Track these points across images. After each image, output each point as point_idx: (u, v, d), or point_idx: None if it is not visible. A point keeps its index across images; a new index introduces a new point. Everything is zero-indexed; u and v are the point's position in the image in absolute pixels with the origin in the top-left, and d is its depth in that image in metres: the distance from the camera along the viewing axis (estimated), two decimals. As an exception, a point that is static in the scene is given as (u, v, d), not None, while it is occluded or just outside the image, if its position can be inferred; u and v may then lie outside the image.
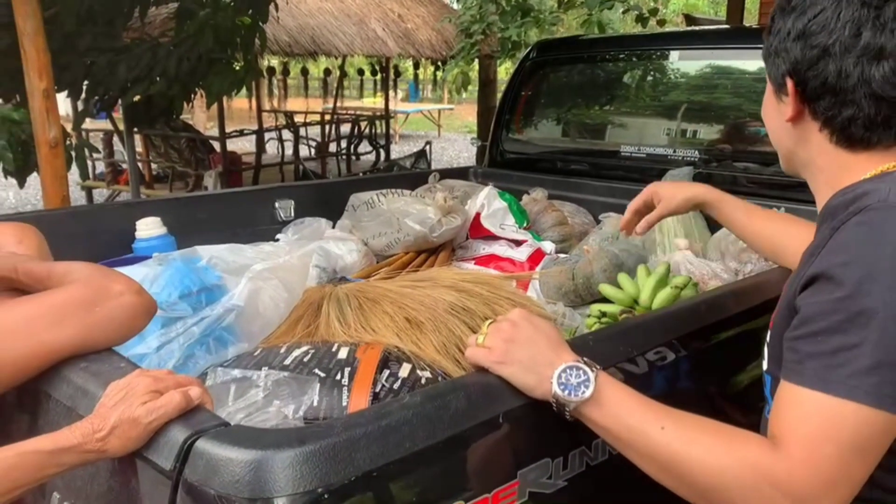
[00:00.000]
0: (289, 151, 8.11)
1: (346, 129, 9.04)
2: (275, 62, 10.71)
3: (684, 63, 2.78)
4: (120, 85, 4.26)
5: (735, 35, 3.09)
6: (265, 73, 9.61)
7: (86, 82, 4.34)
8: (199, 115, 12.56)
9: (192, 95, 4.68)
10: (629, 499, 1.05)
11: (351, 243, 2.19)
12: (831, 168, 1.00)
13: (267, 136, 8.18)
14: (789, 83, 0.98)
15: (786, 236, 1.45)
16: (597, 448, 1.02)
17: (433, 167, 8.13)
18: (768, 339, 1.04)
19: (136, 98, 4.57)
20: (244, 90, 4.81)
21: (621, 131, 2.96)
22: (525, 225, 2.46)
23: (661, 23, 7.15)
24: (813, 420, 0.81)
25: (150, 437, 0.84)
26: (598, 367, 0.93)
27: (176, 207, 2.26)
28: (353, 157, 8.86)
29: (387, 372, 1.33)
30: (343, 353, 1.37)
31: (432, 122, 17.05)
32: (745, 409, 1.36)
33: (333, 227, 2.42)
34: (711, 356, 1.32)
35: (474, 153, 9.22)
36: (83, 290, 1.03)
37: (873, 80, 0.91)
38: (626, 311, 1.71)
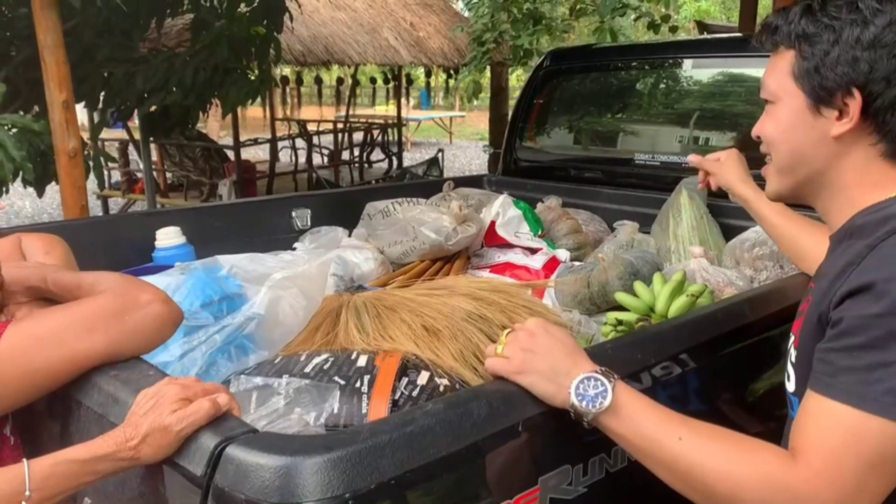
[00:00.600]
0: (302, 160, 8.17)
1: (358, 137, 9.09)
2: (288, 71, 10.79)
3: (697, 71, 2.79)
4: (137, 95, 4.31)
5: (748, 42, 3.10)
6: (279, 83, 9.68)
7: (103, 93, 4.39)
8: (212, 124, 12.66)
9: (208, 105, 4.72)
10: (648, 505, 1.06)
11: (367, 252, 2.20)
12: (862, 185, 0.99)
13: (280, 144, 8.23)
14: (857, 94, 0.95)
15: (811, 242, 1.46)
16: (616, 455, 1.04)
17: (445, 174, 8.17)
18: (793, 359, 1.03)
19: (153, 108, 4.62)
20: (258, 99, 4.85)
21: (635, 139, 2.97)
22: (540, 233, 2.48)
23: (674, 30, 7.15)
24: (837, 433, 0.81)
25: (181, 443, 0.86)
26: (616, 376, 0.95)
27: (194, 217, 2.29)
28: (366, 165, 8.90)
29: (405, 380, 1.35)
30: (362, 361, 1.39)
31: (444, 130, 17.09)
32: (763, 417, 1.37)
33: (349, 235, 2.45)
34: (729, 364, 1.32)
35: (486, 160, 9.24)
36: (113, 300, 1.06)
37: None
38: (643, 319, 1.72)
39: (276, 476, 0.78)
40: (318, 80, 10.78)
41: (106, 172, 7.25)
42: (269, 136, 8.12)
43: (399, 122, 9.88)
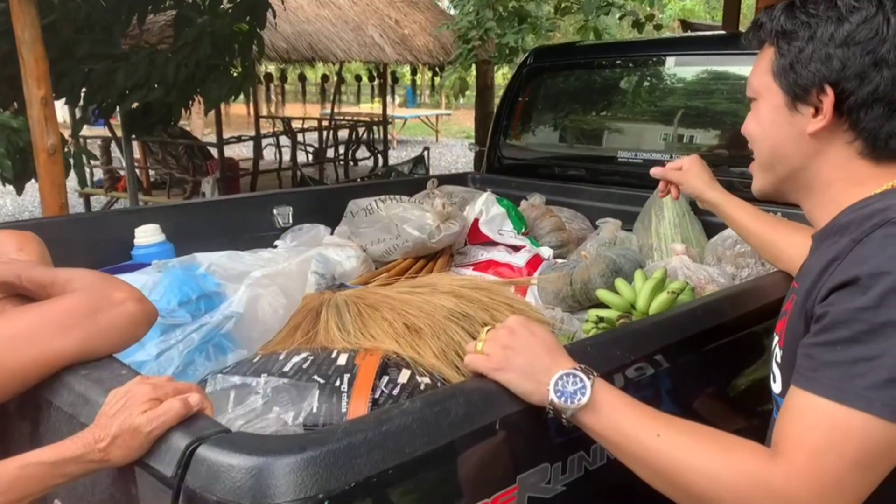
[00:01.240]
0: (286, 157, 8.12)
1: (343, 134, 9.05)
2: (272, 68, 10.73)
3: (681, 69, 2.79)
4: (118, 92, 4.26)
5: (731, 41, 3.11)
6: (263, 80, 9.63)
7: (84, 90, 4.34)
8: (196, 122, 12.58)
9: (191, 102, 4.68)
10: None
11: (349, 249, 2.19)
12: (844, 183, 0.98)
13: (264, 142, 8.18)
14: (829, 92, 0.95)
15: (785, 242, 1.45)
16: (595, 453, 1.03)
17: (431, 172, 8.14)
18: (778, 359, 1.01)
19: (135, 105, 4.57)
20: (241, 96, 4.82)
21: (618, 137, 2.97)
22: (523, 231, 2.47)
23: (658, 28, 7.18)
24: (820, 429, 0.80)
25: (152, 444, 0.85)
26: (595, 373, 0.94)
27: (174, 214, 2.27)
28: (351, 163, 8.86)
29: (386, 378, 1.34)
30: (342, 360, 1.38)
31: (430, 128, 17.07)
32: (745, 413, 1.37)
33: (332, 233, 2.43)
34: (710, 360, 1.32)
35: (472, 158, 9.23)
36: (86, 298, 1.04)
37: None
38: (624, 316, 1.72)
39: (249, 477, 0.76)
40: (302, 78, 10.72)
41: (88, 170, 7.19)
42: (253, 133, 8.07)
43: (384, 120, 9.85)
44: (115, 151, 6.93)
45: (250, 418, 1.23)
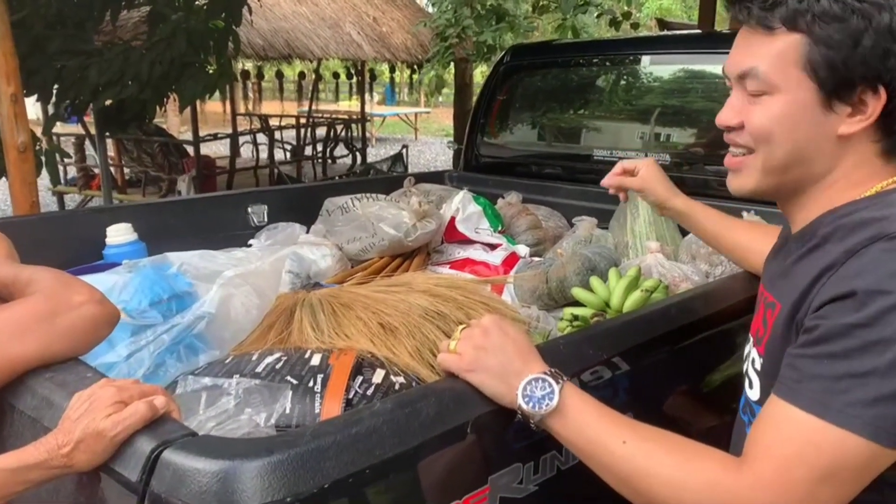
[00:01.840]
0: (263, 155, 8.06)
1: (321, 132, 9.01)
2: (249, 66, 10.65)
3: (657, 67, 2.80)
4: (91, 89, 4.20)
5: (706, 40, 3.13)
6: (239, 77, 9.55)
7: (56, 86, 4.28)
8: (172, 119, 12.45)
9: (165, 99, 4.63)
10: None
11: (325, 248, 2.17)
12: (846, 184, 0.93)
13: (241, 139, 8.12)
14: (882, 93, 0.87)
15: (754, 243, 1.43)
16: (568, 453, 1.03)
17: (410, 170, 8.13)
18: (758, 366, 0.99)
19: (108, 102, 4.51)
20: (218, 93, 4.77)
21: (595, 135, 2.98)
22: (500, 229, 2.47)
23: (635, 27, 7.22)
24: (794, 441, 0.78)
25: (116, 449, 0.83)
26: (565, 378, 0.93)
27: (147, 213, 2.24)
28: (329, 161, 8.82)
29: (360, 378, 1.33)
30: (316, 360, 1.36)
31: (409, 126, 17.04)
32: (716, 412, 1.37)
33: (308, 231, 2.41)
34: (683, 358, 1.33)
35: (451, 156, 9.22)
36: (44, 302, 1.02)
37: None
38: (598, 314, 1.72)
39: (215, 481, 0.75)
40: (280, 75, 10.65)
41: (62, 168, 7.10)
42: (229, 130, 8.01)
43: (363, 118, 9.81)
44: (90, 149, 6.85)
45: (222, 420, 1.22)
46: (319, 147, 8.77)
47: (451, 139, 9.47)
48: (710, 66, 2.62)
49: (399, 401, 0.91)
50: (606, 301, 1.77)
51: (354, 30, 8.53)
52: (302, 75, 10.91)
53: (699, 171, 2.53)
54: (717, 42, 2.82)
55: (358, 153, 9.16)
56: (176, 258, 1.63)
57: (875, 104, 0.88)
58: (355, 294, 1.68)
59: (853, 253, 0.83)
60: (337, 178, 7.96)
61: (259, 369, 1.33)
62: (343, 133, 9.03)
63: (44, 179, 4.75)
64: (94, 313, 1.06)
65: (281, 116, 9.53)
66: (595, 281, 1.83)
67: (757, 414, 0.92)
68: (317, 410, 1.25)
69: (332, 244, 2.26)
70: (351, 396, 1.28)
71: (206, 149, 7.25)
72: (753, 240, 1.44)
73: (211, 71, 4.43)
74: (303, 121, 8.91)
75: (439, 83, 8.76)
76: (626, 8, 7.02)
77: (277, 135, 8.28)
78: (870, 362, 0.77)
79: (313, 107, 9.69)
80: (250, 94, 11.49)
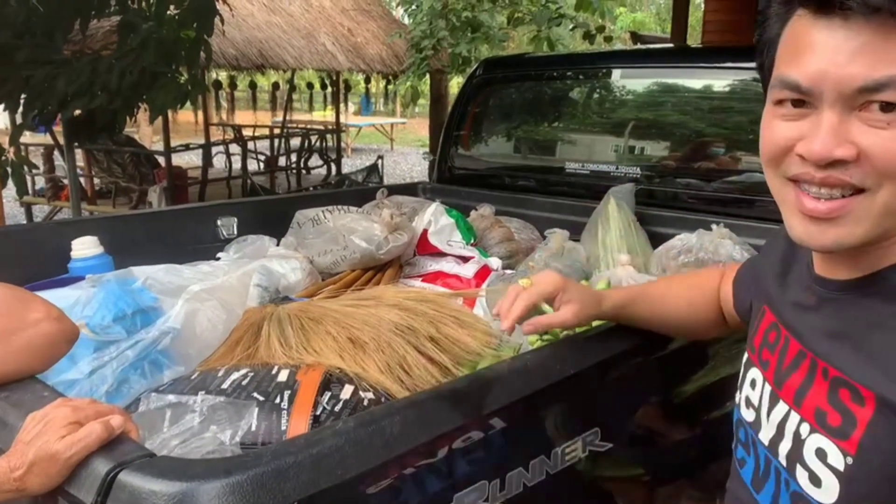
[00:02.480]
0: (237, 165, 8.00)
1: (296, 142, 8.96)
2: (222, 75, 10.59)
3: (630, 81, 2.83)
4: (59, 99, 4.13)
5: (679, 54, 3.17)
6: (212, 87, 9.48)
7: (23, 96, 4.21)
8: (144, 129, 12.32)
9: (136, 109, 4.57)
10: (568, 519, 1.05)
11: (295, 261, 2.15)
12: None
13: (214, 150, 8.05)
14: None
15: (686, 306, 1.27)
16: (534, 468, 1.02)
17: (385, 181, 8.12)
18: (839, 465, 0.79)
19: (77, 112, 4.45)
20: (190, 103, 4.72)
21: (568, 148, 3.00)
22: (472, 241, 2.47)
23: (609, 40, 7.29)
24: None
25: (71, 471, 0.81)
26: None
27: (114, 226, 2.21)
28: (304, 172, 8.78)
29: (328, 394, 1.31)
30: (283, 376, 1.35)
31: (385, 136, 17.03)
32: (688, 423, 1.38)
33: (278, 244, 2.39)
34: (653, 370, 1.33)
35: (427, 167, 9.22)
36: None
37: None
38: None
39: (172, 503, 0.73)
40: (253, 85, 10.59)
41: (30, 179, 6.98)
42: (202, 141, 7.94)
43: (338, 128, 9.78)
44: (59, 159, 6.74)
45: (186, 438, 1.20)
46: (294, 157, 8.73)
47: (427, 150, 9.49)
48: (682, 79, 2.65)
49: (362, 419, 0.90)
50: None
51: (329, 40, 8.52)
52: (276, 86, 10.86)
53: (669, 184, 2.55)
54: (688, 56, 2.86)
55: (333, 164, 9.13)
56: (141, 272, 1.60)
57: None
58: (325, 308, 1.67)
59: None
60: (311, 188, 7.92)
61: (225, 386, 1.31)
62: (318, 143, 9.00)
63: (11, 190, 4.68)
64: (52, 331, 1.03)
65: (254, 127, 9.47)
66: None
67: None
68: (283, 427, 1.24)
69: (302, 257, 2.24)
70: (318, 413, 1.26)
71: (178, 159, 7.17)
72: (689, 303, 1.28)
73: (182, 81, 4.39)
74: (277, 131, 8.86)
75: (415, 94, 8.78)
76: (600, 21, 7.09)
77: (251, 145, 8.22)
78: None
79: (287, 117, 9.65)
80: (223, 104, 11.40)
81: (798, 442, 0.85)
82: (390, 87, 11.02)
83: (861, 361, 0.77)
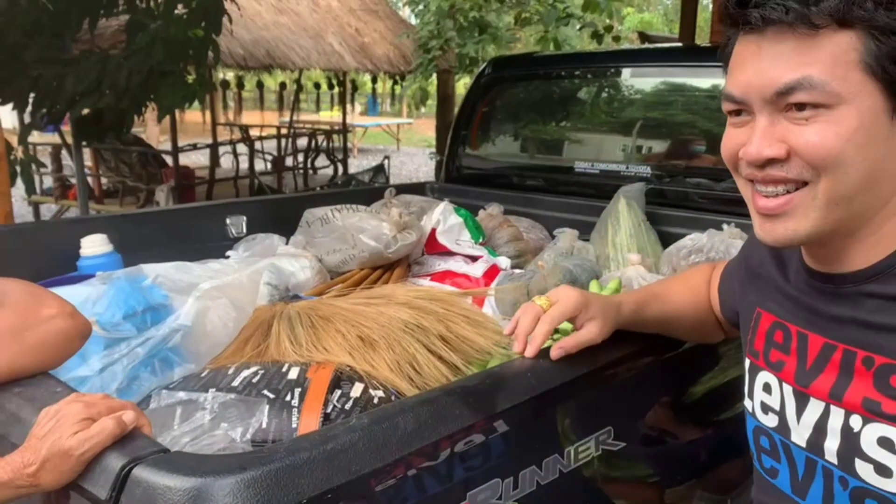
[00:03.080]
0: (244, 165, 8.01)
1: (302, 142, 8.98)
2: (230, 75, 10.61)
3: (638, 80, 2.82)
4: (67, 98, 4.15)
5: (687, 53, 3.15)
6: (219, 87, 9.50)
7: (32, 95, 4.23)
8: (152, 129, 12.36)
9: (143, 109, 4.58)
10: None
11: (304, 260, 2.15)
12: None
13: (221, 150, 8.07)
14: None
15: (691, 308, 1.26)
16: (547, 467, 1.02)
17: (392, 182, 8.12)
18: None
19: (85, 111, 4.46)
20: (197, 103, 4.73)
21: (576, 147, 2.99)
22: (481, 240, 2.46)
23: (617, 39, 7.29)
24: None
25: (84, 467, 0.81)
26: None
27: (123, 224, 2.21)
28: (311, 172, 8.79)
29: (338, 392, 1.31)
30: (293, 374, 1.35)
31: (391, 137, 17.04)
32: (699, 424, 1.37)
33: (287, 243, 2.39)
34: (665, 372, 1.32)
35: (433, 167, 9.22)
36: (12, 316, 1.00)
37: None
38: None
39: (186, 498, 0.73)
40: (260, 85, 10.61)
41: (38, 178, 7.00)
42: (209, 141, 7.95)
43: (344, 128, 9.79)
44: (67, 159, 6.76)
45: (196, 435, 1.19)
46: (301, 157, 8.74)
47: (434, 150, 9.49)
48: (691, 79, 2.64)
49: (376, 416, 0.90)
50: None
51: (336, 40, 8.53)
52: (283, 86, 10.89)
53: (679, 184, 2.54)
54: (697, 55, 2.85)
55: (339, 164, 9.13)
56: (151, 270, 1.60)
57: None
58: (334, 306, 1.67)
59: None
60: (318, 188, 7.93)
61: (235, 383, 1.31)
62: (324, 143, 9.01)
63: (19, 189, 4.69)
64: (65, 327, 1.03)
65: (262, 127, 9.49)
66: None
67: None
68: (294, 425, 1.24)
69: (311, 256, 2.24)
70: (329, 411, 1.26)
71: (185, 159, 7.20)
72: (697, 309, 1.27)
73: (190, 80, 4.40)
74: (284, 131, 8.87)
75: (422, 94, 8.80)
76: (607, 21, 7.08)
77: (258, 145, 8.24)
78: None
79: (294, 117, 9.67)
80: (230, 104, 11.43)
81: (851, 436, 0.84)
82: (397, 87, 11.02)
83: (877, 338, 0.80)
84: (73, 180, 6.53)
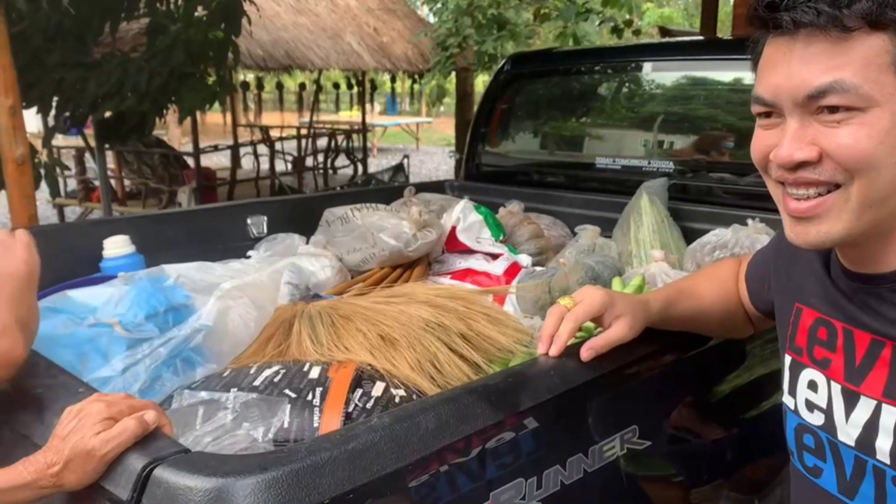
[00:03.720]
0: (265, 166, 8.06)
1: (322, 142, 9.01)
2: (250, 76, 10.68)
3: (659, 74, 2.79)
4: (90, 101, 4.20)
5: (709, 46, 3.12)
6: (239, 88, 9.57)
7: (55, 98, 4.28)
8: (173, 131, 12.47)
9: (165, 111, 4.63)
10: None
11: (324, 259, 2.15)
12: None
13: (242, 150, 8.12)
14: None
15: (726, 305, 1.25)
16: (572, 466, 1.00)
17: (411, 180, 8.12)
18: None
19: (107, 114, 4.51)
20: (218, 105, 4.77)
21: (597, 143, 2.96)
22: (501, 238, 2.45)
23: (637, 33, 7.23)
24: None
25: (107, 467, 0.81)
26: None
27: (145, 225, 2.22)
28: (331, 171, 8.82)
29: (360, 391, 1.31)
30: (315, 373, 1.34)
31: (410, 136, 17.06)
32: (724, 423, 1.35)
33: (307, 242, 2.39)
34: (686, 370, 1.30)
35: (453, 166, 9.22)
36: None
37: None
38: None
39: (207, 499, 0.73)
40: (280, 86, 10.66)
41: (62, 180, 7.10)
42: (230, 142, 8.01)
43: (364, 128, 9.81)
44: (90, 161, 6.85)
45: (219, 435, 1.19)
46: (320, 158, 8.77)
47: (453, 149, 9.48)
48: (713, 72, 2.60)
49: (397, 415, 0.89)
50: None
51: (355, 40, 8.54)
52: (302, 86, 10.93)
53: (702, 179, 2.51)
54: (719, 49, 2.81)
55: (359, 163, 9.16)
56: (173, 270, 1.61)
57: None
58: (355, 305, 1.66)
59: None
60: (338, 188, 7.95)
61: (257, 383, 1.31)
62: (344, 143, 9.04)
63: (43, 192, 4.75)
64: None
65: (282, 127, 9.54)
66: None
67: None
68: (315, 424, 1.23)
69: (331, 255, 2.24)
70: (350, 410, 1.26)
71: (206, 160, 7.25)
72: (726, 303, 1.25)
73: (210, 82, 4.43)
74: (304, 131, 8.91)
75: (441, 93, 8.81)
76: (627, 16, 7.03)
77: (278, 146, 8.29)
78: None
79: (314, 117, 9.71)
80: (251, 105, 11.49)
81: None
82: (416, 85, 11.03)
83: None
84: (97, 183, 6.61)
